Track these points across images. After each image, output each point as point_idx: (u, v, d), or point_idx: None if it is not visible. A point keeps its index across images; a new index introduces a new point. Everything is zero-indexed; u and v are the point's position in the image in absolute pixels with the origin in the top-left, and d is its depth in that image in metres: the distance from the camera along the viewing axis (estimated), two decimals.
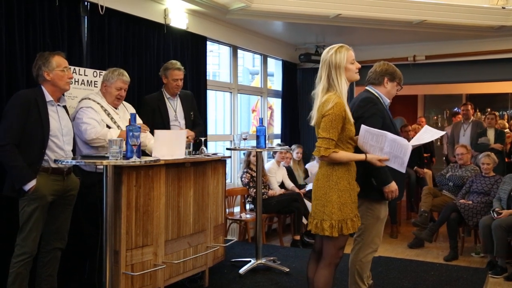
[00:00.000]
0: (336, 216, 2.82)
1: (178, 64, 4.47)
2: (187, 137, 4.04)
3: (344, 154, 2.84)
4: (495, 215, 4.91)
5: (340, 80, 2.84)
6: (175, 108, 4.51)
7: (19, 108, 3.09)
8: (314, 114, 2.89)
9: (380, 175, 3.13)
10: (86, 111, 3.55)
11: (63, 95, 3.48)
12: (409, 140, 3.27)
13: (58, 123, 3.25)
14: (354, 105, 3.31)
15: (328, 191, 2.84)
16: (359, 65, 2.95)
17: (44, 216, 3.20)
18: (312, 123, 2.92)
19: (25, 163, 3.04)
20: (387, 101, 3.38)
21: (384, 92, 3.37)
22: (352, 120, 2.89)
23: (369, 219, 3.28)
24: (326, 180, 2.86)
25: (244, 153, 6.05)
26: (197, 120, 4.74)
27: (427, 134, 3.47)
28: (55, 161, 3.06)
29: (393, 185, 3.15)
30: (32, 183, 3.07)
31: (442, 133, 3.55)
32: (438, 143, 10.25)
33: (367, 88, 3.44)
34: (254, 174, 5.62)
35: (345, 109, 2.81)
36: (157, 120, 4.37)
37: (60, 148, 3.24)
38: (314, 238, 3.14)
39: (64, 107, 3.40)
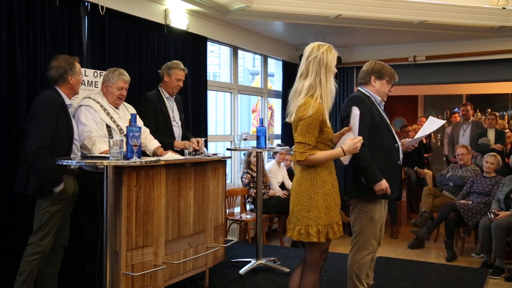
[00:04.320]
0: (322, 221, 2.75)
1: (182, 65, 4.44)
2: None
3: (322, 154, 2.77)
4: (492, 216, 4.90)
5: (330, 80, 2.77)
6: (172, 108, 4.49)
7: (51, 111, 3.14)
8: (293, 112, 2.79)
9: (369, 173, 3.13)
10: (85, 110, 3.55)
11: None
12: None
13: (75, 126, 3.36)
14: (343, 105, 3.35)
15: (313, 196, 2.77)
16: (336, 70, 2.87)
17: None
18: (289, 119, 2.83)
19: (56, 166, 3.08)
20: (378, 99, 3.37)
21: (374, 91, 3.37)
22: (328, 122, 2.80)
23: (363, 220, 3.27)
24: (311, 184, 2.78)
25: (244, 154, 6.05)
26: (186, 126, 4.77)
27: (432, 125, 3.48)
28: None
29: (383, 183, 3.13)
30: (62, 185, 3.17)
31: (443, 121, 3.53)
32: (438, 143, 10.26)
33: (358, 88, 3.46)
34: (255, 175, 5.62)
35: (323, 114, 2.73)
36: (160, 119, 4.35)
37: (78, 150, 3.36)
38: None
39: None
